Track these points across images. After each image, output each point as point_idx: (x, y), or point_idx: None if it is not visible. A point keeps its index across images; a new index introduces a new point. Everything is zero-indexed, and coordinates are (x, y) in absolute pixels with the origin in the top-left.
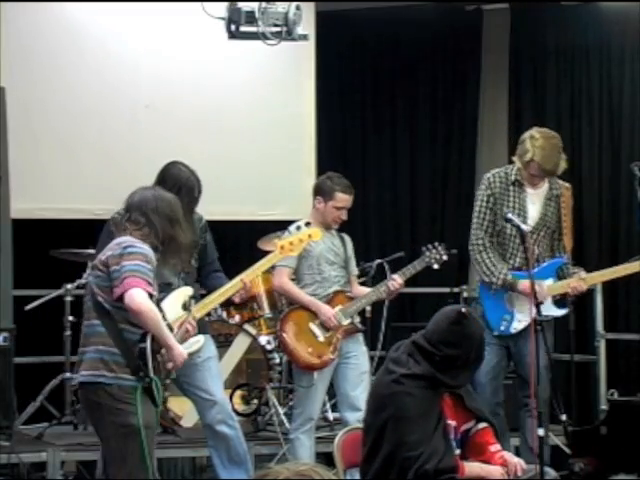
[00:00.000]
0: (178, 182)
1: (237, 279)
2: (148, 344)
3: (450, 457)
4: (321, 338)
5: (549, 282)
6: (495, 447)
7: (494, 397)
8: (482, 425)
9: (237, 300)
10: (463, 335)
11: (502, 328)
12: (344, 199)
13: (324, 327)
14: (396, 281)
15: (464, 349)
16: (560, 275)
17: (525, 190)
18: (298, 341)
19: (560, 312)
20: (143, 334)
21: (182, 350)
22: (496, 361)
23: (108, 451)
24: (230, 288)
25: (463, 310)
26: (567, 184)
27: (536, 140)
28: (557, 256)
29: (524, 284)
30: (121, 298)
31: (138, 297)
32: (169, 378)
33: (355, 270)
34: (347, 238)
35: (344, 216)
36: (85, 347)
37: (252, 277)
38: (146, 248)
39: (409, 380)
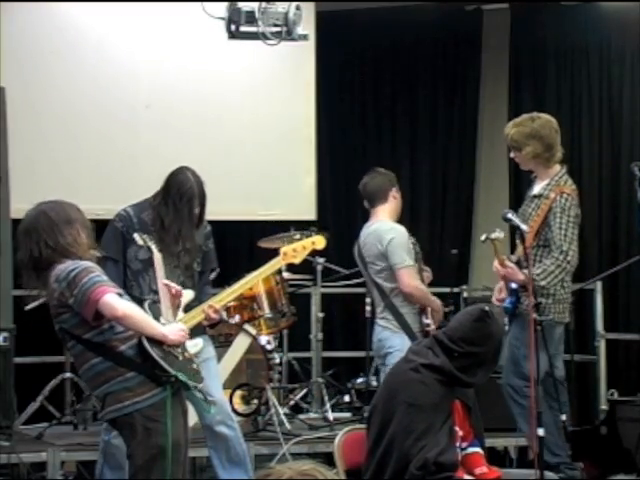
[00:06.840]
0: (180, 190)
1: (200, 308)
2: (145, 342)
3: (451, 453)
4: None
5: None
6: (481, 470)
7: None
8: (473, 450)
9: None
10: (485, 333)
11: None
12: None
13: None
14: None
15: (485, 347)
16: None
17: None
18: None
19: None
20: (139, 341)
21: (177, 327)
22: None
23: (132, 469)
24: (197, 314)
25: (487, 309)
26: (566, 188)
27: None
28: None
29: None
30: (96, 316)
31: (114, 302)
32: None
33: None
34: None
35: None
36: (98, 387)
37: (250, 286)
38: (82, 262)
39: (426, 370)
